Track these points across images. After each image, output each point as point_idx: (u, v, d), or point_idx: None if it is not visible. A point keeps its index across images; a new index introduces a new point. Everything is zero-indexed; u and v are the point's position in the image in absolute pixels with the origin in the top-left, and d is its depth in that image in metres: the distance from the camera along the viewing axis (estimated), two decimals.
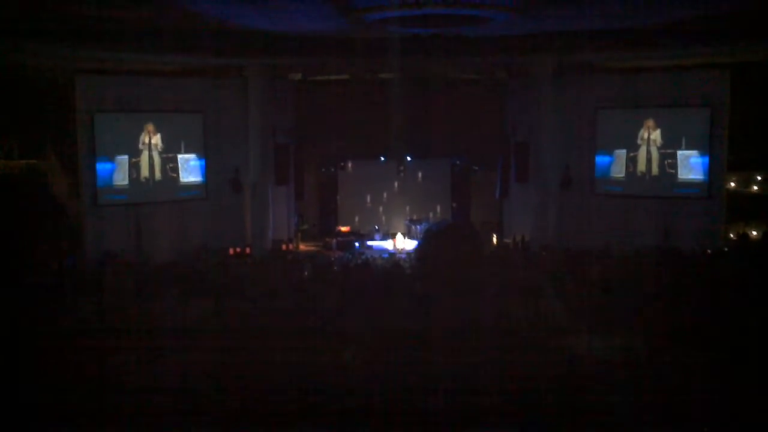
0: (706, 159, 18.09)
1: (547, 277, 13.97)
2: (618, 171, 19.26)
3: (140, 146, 18.21)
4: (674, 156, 18.51)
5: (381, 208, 22.31)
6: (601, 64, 19.40)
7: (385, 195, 22.34)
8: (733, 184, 19.03)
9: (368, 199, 22.20)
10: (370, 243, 20.95)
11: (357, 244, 20.49)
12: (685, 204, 18.32)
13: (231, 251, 18.56)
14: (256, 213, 19.60)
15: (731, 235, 18.22)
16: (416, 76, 19.12)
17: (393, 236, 20.82)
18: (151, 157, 18.40)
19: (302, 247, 20.96)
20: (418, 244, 16.44)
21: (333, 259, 18.15)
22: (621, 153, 19.16)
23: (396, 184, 22.15)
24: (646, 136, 18.77)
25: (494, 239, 20.70)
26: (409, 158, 21.65)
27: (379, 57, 17.54)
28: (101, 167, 17.60)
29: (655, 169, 18.77)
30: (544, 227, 19.14)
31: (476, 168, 22.49)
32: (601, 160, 19.43)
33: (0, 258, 14.55)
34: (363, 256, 17.99)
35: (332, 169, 22.65)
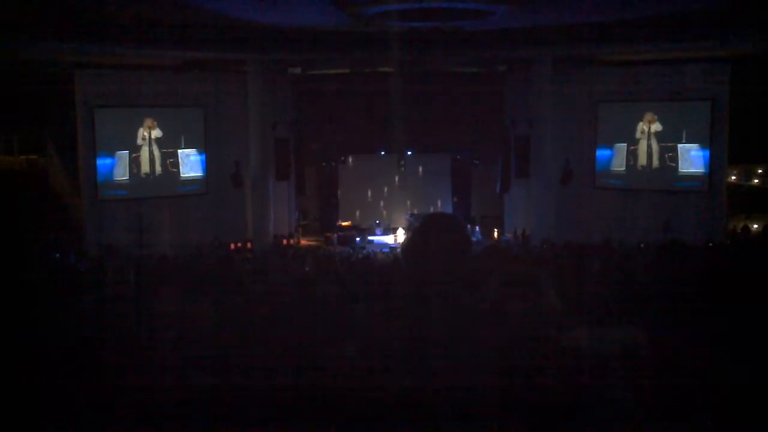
0: (707, 152, 18.06)
1: (548, 269, 13.98)
2: (618, 164, 19.25)
3: (139, 141, 18.21)
4: (675, 149, 18.48)
5: (382, 203, 22.30)
6: (602, 57, 19.36)
7: (386, 189, 22.32)
8: (733, 178, 19.05)
9: (369, 193, 22.19)
10: (371, 238, 20.93)
11: (358, 238, 20.49)
12: (685, 197, 18.31)
13: (232, 246, 18.57)
14: (256, 208, 19.61)
15: (732, 229, 18.22)
16: (416, 70, 19.10)
17: (394, 231, 20.82)
18: (151, 152, 18.41)
19: (303, 242, 20.96)
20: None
21: (334, 253, 18.16)
22: (621, 146, 19.14)
23: (397, 178, 22.11)
24: (646, 129, 18.74)
25: (495, 233, 20.71)
26: (409, 152, 21.63)
27: (379, 51, 17.53)
28: (101, 162, 17.63)
29: (655, 163, 18.75)
30: (544, 221, 19.15)
31: (477, 162, 22.44)
32: (601, 153, 19.42)
33: (0, 254, 14.55)
34: (364, 251, 18.00)
35: (333, 164, 22.62)
